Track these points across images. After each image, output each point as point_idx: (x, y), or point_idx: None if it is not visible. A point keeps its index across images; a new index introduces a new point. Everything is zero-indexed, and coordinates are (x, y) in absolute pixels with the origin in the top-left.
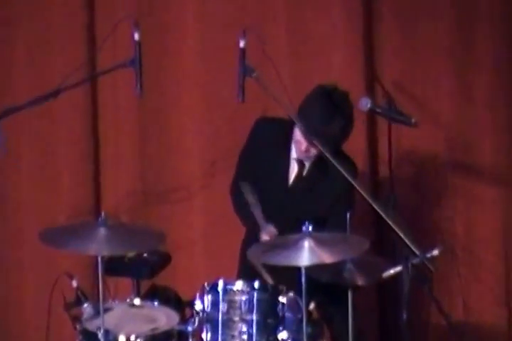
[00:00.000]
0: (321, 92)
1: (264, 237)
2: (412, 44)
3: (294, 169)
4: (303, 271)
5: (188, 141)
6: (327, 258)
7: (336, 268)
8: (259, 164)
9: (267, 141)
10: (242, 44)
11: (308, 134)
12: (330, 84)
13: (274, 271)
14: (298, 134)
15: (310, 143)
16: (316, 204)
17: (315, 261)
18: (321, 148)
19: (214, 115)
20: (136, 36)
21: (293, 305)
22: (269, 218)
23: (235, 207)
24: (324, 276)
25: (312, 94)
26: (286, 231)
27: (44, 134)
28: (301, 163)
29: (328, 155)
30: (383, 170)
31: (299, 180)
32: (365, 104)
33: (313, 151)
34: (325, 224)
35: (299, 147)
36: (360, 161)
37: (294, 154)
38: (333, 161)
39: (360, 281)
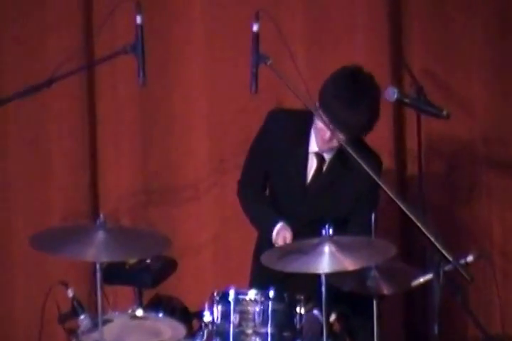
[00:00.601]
0: (345, 74)
1: (278, 241)
2: (443, 27)
3: (312, 164)
4: (323, 279)
5: (194, 136)
6: (349, 264)
7: (360, 275)
8: (272, 160)
9: (282, 134)
10: (255, 28)
11: (332, 121)
12: (353, 65)
13: (291, 278)
14: (320, 122)
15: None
16: (337, 203)
17: (336, 267)
18: (342, 138)
19: (223, 107)
20: (138, 19)
21: (313, 324)
22: (285, 220)
23: (244, 208)
24: (346, 285)
25: (334, 76)
26: (304, 235)
27: (35, 128)
28: (320, 157)
29: (348, 148)
30: (412, 167)
31: (318, 177)
32: (391, 93)
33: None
34: (346, 226)
35: (322, 136)
36: (387, 157)
37: (312, 148)
38: (354, 155)
39: (385, 290)
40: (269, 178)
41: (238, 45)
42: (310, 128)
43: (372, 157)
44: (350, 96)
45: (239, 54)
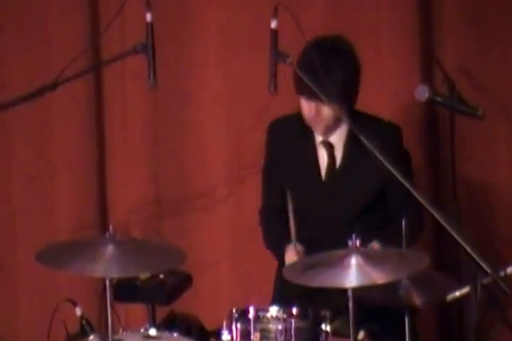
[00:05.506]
0: (312, 44)
1: (289, 258)
2: (478, 19)
3: (324, 156)
4: (350, 294)
5: (210, 141)
6: (379, 277)
7: (391, 286)
8: (285, 169)
9: (287, 139)
10: (273, 24)
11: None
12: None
13: (316, 292)
14: (302, 100)
15: (311, 95)
16: (361, 191)
17: (364, 281)
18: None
19: (241, 110)
20: (148, 17)
21: None
22: (310, 220)
23: (264, 234)
24: (376, 296)
25: (303, 50)
26: (332, 237)
27: (39, 134)
28: (328, 145)
29: (346, 116)
30: (445, 170)
31: (332, 167)
32: (422, 92)
33: (325, 113)
34: (376, 213)
35: (307, 112)
36: (418, 159)
37: (318, 138)
38: (354, 128)
39: (419, 301)
40: (286, 189)
41: (256, 42)
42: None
43: (388, 127)
44: (319, 57)
45: (257, 52)
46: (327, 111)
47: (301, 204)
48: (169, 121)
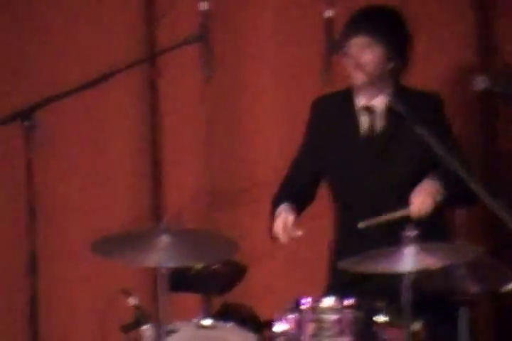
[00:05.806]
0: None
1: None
2: None
3: (364, 123)
4: (406, 279)
5: (264, 133)
6: (433, 263)
7: (446, 274)
8: (326, 140)
9: (328, 113)
10: (327, 14)
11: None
12: None
13: (370, 284)
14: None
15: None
16: (405, 154)
17: (419, 266)
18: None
19: (296, 100)
20: (203, 5)
21: None
22: (358, 189)
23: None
24: (431, 285)
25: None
26: (380, 199)
27: (93, 126)
28: (369, 110)
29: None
30: (501, 159)
31: (372, 131)
32: (480, 82)
33: (369, 56)
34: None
35: (352, 52)
36: (474, 148)
37: (359, 104)
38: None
39: (474, 290)
40: (327, 169)
41: (312, 32)
42: (353, 101)
43: (427, 97)
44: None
45: (313, 41)
46: (374, 50)
47: (340, 175)
48: (223, 112)
